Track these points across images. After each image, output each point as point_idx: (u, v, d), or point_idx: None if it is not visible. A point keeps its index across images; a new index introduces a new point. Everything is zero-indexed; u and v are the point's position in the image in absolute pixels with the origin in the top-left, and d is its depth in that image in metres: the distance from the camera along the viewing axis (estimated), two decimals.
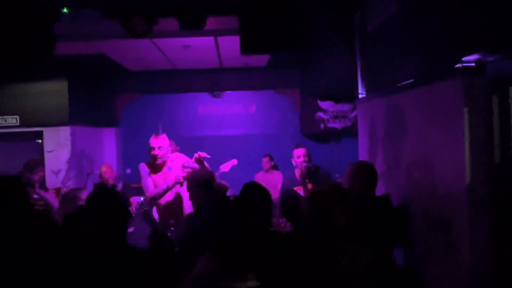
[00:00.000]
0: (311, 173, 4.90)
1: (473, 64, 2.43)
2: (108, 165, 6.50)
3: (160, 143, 4.53)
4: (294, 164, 5.04)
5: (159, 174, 4.53)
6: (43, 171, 5.57)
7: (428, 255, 2.99)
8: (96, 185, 6.18)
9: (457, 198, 2.56)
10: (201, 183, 3.39)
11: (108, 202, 2.13)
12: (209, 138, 8.47)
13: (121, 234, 2.10)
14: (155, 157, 4.49)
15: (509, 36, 2.14)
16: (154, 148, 4.50)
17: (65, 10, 3.90)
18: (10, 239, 2.03)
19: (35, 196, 4.43)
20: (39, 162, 5.56)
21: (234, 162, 6.30)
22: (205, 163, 4.36)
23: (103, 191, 2.29)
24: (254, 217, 2.32)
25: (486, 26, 2.30)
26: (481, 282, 2.43)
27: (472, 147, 2.46)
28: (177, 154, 4.83)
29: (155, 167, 4.54)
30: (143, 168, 4.58)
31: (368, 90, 4.38)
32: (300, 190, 4.81)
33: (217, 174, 5.98)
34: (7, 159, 6.73)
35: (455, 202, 2.59)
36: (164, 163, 4.57)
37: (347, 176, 3.21)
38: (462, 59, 2.44)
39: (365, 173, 3.19)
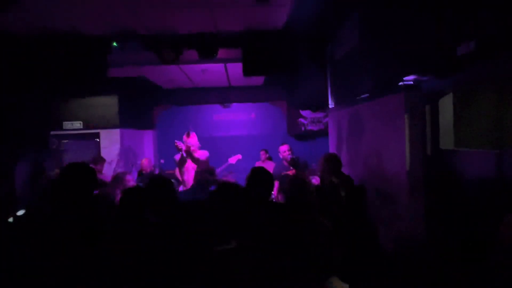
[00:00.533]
0: (294, 162, 4.90)
1: (412, 83, 2.43)
2: (146, 159, 6.49)
3: (190, 141, 4.45)
4: (281, 157, 5.07)
5: (190, 162, 4.48)
6: (103, 164, 5.60)
7: (379, 221, 2.99)
8: (139, 172, 6.16)
9: (400, 179, 2.56)
10: (205, 171, 3.39)
11: (164, 184, 2.19)
12: (221, 138, 8.45)
13: (171, 203, 2.12)
14: (187, 150, 4.38)
15: (437, 63, 2.13)
16: (183, 143, 4.43)
17: (114, 44, 3.88)
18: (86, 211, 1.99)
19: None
20: (102, 158, 5.60)
21: (239, 156, 6.26)
22: (197, 156, 4.28)
23: (159, 177, 2.30)
24: (258, 190, 2.26)
25: (421, 55, 2.30)
26: (417, 241, 2.44)
27: (411, 142, 2.46)
28: (202, 151, 4.75)
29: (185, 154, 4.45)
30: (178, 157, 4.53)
31: (336, 102, 4.37)
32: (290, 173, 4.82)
33: (226, 165, 5.95)
34: (74, 153, 6.73)
35: (399, 183, 2.59)
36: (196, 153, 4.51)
37: (320, 163, 3.20)
38: (404, 78, 2.44)
39: (332, 161, 3.17)
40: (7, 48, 3.90)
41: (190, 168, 4.47)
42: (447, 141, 2.31)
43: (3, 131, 4.13)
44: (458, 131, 2.23)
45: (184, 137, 4.51)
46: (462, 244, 2.06)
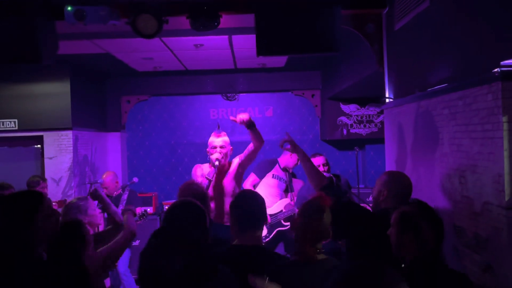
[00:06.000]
0: (333, 183, 4.91)
1: None
2: (110, 174, 6.55)
3: (222, 142, 4.38)
4: None
5: (223, 179, 4.37)
6: (45, 187, 5.72)
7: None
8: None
9: (495, 216, 2.54)
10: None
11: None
12: None
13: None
14: (217, 159, 4.30)
15: None
16: (215, 148, 4.35)
17: (69, 8, 3.96)
18: None
19: None
20: (40, 178, 5.76)
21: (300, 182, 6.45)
22: None
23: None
24: None
25: None
26: None
27: None
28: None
29: (217, 170, 4.32)
30: (198, 170, 4.44)
31: (396, 94, 4.37)
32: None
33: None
34: (4, 166, 6.84)
35: (493, 220, 2.57)
36: (227, 166, 4.41)
37: (382, 185, 3.18)
38: (501, 63, 2.43)
39: (401, 186, 3.15)
40: None
41: (217, 191, 4.35)
42: None
43: None
44: None
45: (213, 136, 4.44)
46: None
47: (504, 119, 2.44)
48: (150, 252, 1.73)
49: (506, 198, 2.43)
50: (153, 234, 1.83)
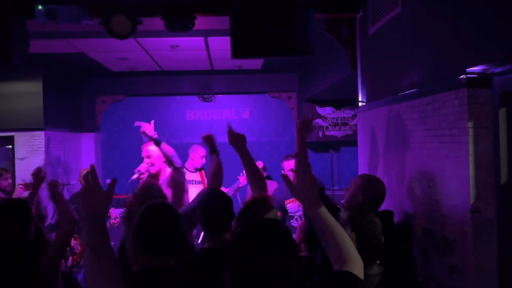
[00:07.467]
0: None
1: (477, 76, 2.47)
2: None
3: (147, 152, 4.49)
4: None
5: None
6: (9, 178, 5.69)
7: (431, 278, 3.02)
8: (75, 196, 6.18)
9: (461, 218, 2.58)
10: None
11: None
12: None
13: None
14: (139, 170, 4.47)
15: None
16: (143, 158, 4.50)
17: (40, 7, 3.91)
18: None
19: None
20: (2, 171, 5.72)
21: (259, 164, 6.23)
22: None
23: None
24: None
25: (495, 33, 2.33)
26: None
27: (477, 163, 2.49)
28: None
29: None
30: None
31: (369, 98, 4.42)
32: (291, 204, 4.92)
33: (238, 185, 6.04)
34: None
35: (459, 223, 2.61)
36: (157, 175, 4.51)
37: (357, 189, 3.20)
38: (467, 70, 2.48)
39: (375, 192, 3.17)
40: None
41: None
42: None
43: None
44: None
45: (143, 146, 4.52)
46: None
47: (470, 124, 2.49)
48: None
49: (471, 202, 2.48)
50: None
